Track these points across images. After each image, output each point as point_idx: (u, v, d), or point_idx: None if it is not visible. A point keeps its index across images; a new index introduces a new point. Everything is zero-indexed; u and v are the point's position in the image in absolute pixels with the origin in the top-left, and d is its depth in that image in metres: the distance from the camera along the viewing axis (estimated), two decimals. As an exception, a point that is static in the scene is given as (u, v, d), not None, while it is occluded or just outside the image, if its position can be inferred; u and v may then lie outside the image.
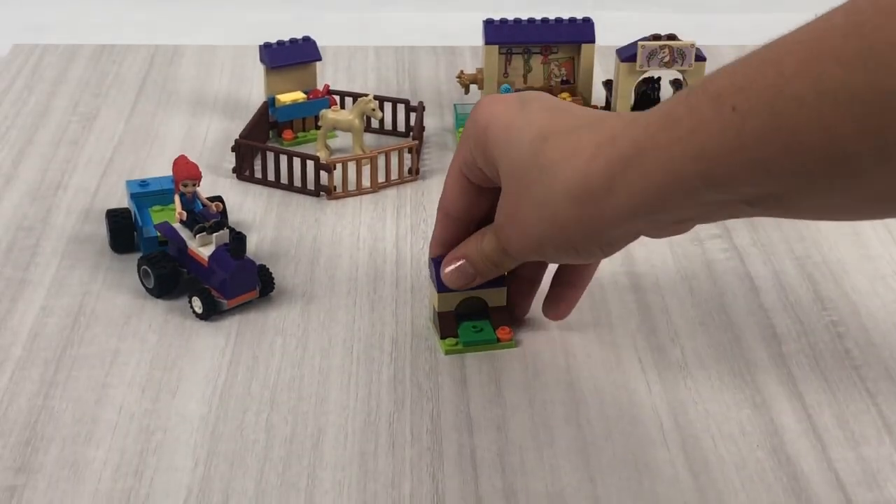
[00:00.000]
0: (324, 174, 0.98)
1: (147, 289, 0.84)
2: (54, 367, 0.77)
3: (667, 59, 1.01)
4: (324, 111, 1.02)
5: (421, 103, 1.08)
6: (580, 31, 1.06)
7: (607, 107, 1.09)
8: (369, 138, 1.07)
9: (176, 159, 0.84)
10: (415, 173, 1.01)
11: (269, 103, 1.06)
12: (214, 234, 0.83)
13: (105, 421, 0.73)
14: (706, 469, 0.70)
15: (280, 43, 1.05)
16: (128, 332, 0.81)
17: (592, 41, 1.06)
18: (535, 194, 0.65)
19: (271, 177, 0.99)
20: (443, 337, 0.79)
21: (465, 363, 0.78)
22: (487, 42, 1.05)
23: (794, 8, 1.44)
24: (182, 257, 0.84)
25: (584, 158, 0.62)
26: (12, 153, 1.04)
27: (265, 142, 1.05)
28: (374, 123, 1.08)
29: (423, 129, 1.06)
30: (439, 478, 0.69)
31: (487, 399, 0.75)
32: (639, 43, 1.02)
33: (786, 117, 0.50)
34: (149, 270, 0.83)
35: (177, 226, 0.84)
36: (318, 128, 1.05)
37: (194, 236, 0.82)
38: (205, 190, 0.87)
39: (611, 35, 1.11)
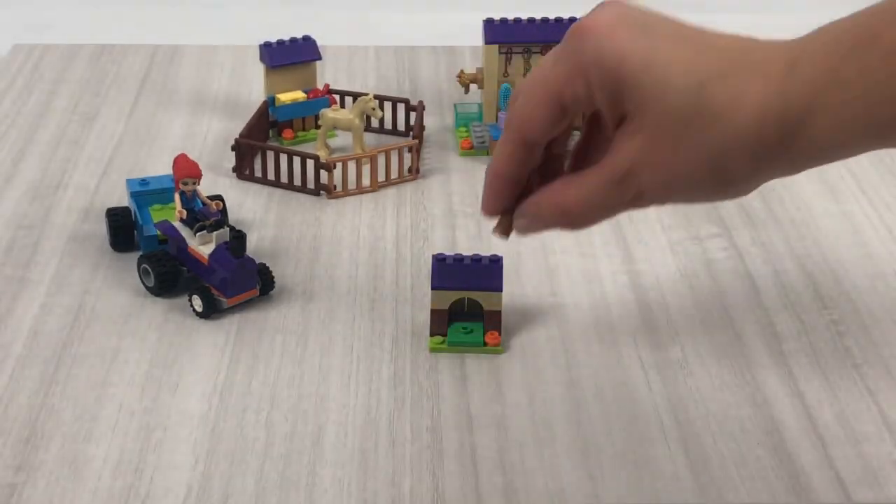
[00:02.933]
0: (324, 173, 0.98)
1: (147, 287, 0.84)
2: (54, 365, 0.77)
3: (667, 58, 1.01)
4: (324, 110, 1.02)
5: (421, 102, 1.08)
6: (580, 31, 1.06)
7: (607, 106, 1.08)
8: (369, 137, 1.07)
9: (176, 158, 0.84)
10: (415, 172, 1.01)
11: (269, 102, 1.06)
12: (215, 233, 0.82)
13: (105, 419, 0.73)
14: (706, 467, 0.70)
15: (280, 42, 1.05)
16: (128, 331, 0.81)
17: (592, 41, 1.06)
18: (701, 142, 0.59)
19: (271, 176, 0.99)
20: (432, 334, 0.79)
21: (465, 361, 0.78)
22: (487, 42, 1.05)
23: (793, 8, 1.45)
24: (182, 256, 0.84)
25: (755, 110, 0.58)
26: (13, 152, 1.04)
27: (265, 141, 1.05)
28: (374, 123, 1.08)
29: (423, 128, 1.06)
30: (439, 475, 0.69)
31: (487, 397, 0.75)
32: (639, 42, 1.02)
33: None
34: (149, 269, 0.83)
35: (177, 224, 0.84)
36: (318, 127, 1.05)
37: (194, 235, 0.82)
38: (205, 189, 0.86)
39: (611, 35, 1.10)
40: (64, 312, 0.82)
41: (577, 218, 0.63)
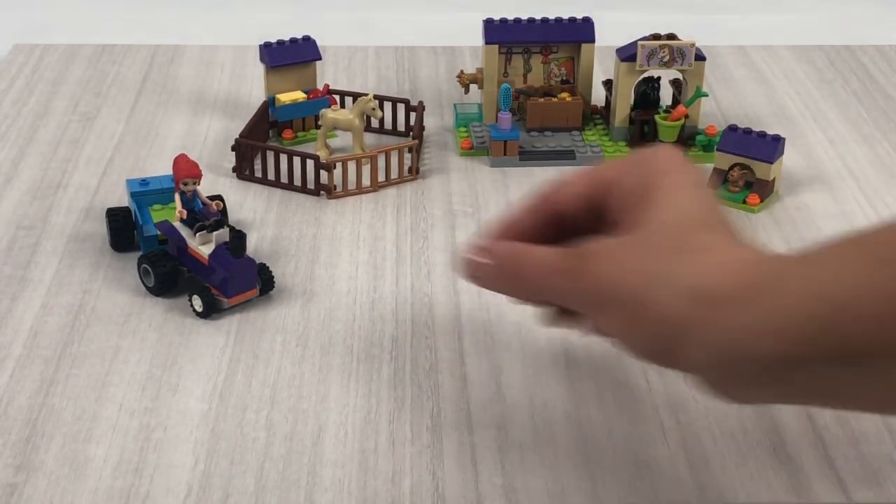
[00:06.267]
0: (324, 173, 0.98)
1: (147, 287, 0.84)
2: (55, 365, 0.77)
3: (666, 58, 1.01)
4: (324, 110, 1.02)
5: (421, 103, 1.09)
6: (580, 31, 1.06)
7: (607, 106, 1.09)
8: (369, 138, 1.07)
9: (176, 158, 0.84)
10: (415, 172, 1.01)
11: (270, 103, 1.06)
12: (215, 233, 0.82)
13: (105, 418, 0.73)
14: (707, 467, 0.70)
15: (280, 42, 1.05)
16: (128, 331, 0.81)
17: (592, 41, 1.06)
18: (658, 259, 0.57)
19: (271, 176, 0.99)
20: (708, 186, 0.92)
21: (465, 361, 0.78)
22: (487, 42, 1.05)
23: (793, 8, 1.45)
24: (182, 256, 0.84)
25: (724, 263, 0.55)
26: (13, 152, 1.04)
27: (265, 141, 1.05)
28: (374, 123, 1.08)
29: (423, 128, 1.06)
30: (439, 475, 0.69)
31: (487, 397, 0.75)
32: (638, 42, 1.02)
33: None
34: (149, 269, 0.83)
35: (177, 224, 0.84)
36: (318, 127, 1.05)
37: (194, 235, 0.82)
38: (205, 189, 0.86)
39: (610, 35, 1.11)
40: (64, 312, 0.82)
41: (523, 270, 0.62)
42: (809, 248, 0.54)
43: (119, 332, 0.80)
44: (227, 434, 0.71)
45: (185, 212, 0.83)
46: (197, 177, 0.83)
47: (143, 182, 0.90)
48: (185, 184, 0.83)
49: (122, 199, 0.96)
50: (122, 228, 0.89)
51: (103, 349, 0.79)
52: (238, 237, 0.82)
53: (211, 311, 0.81)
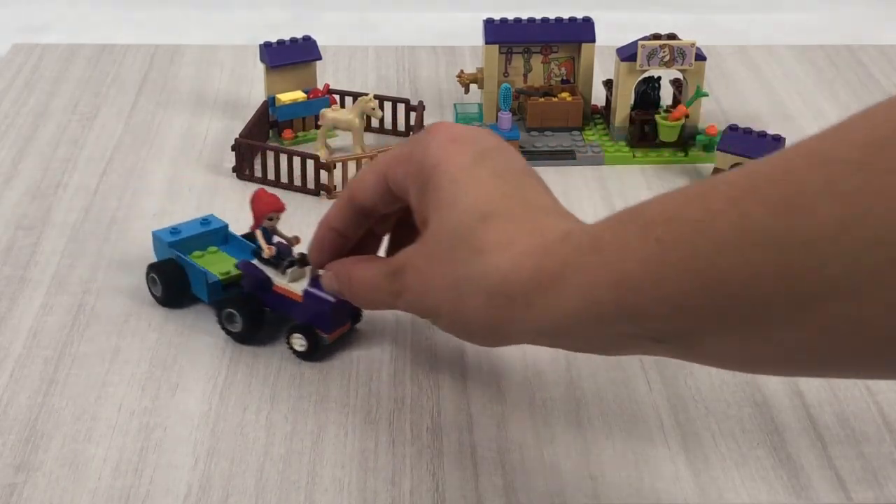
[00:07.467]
0: (324, 173, 0.98)
1: (230, 334, 0.79)
2: (54, 365, 0.77)
3: (667, 58, 1.01)
4: (324, 110, 1.02)
5: (421, 103, 1.08)
6: (580, 31, 1.06)
7: (608, 106, 1.09)
8: (369, 138, 1.07)
9: (256, 193, 0.79)
10: (415, 172, 1.01)
11: (269, 102, 1.06)
12: (307, 268, 0.78)
13: (105, 419, 0.73)
14: (707, 467, 0.70)
15: (280, 42, 1.05)
16: (128, 331, 0.81)
17: (592, 41, 1.06)
18: (454, 269, 0.61)
19: (271, 176, 0.99)
20: None
21: (465, 361, 0.78)
22: (487, 42, 1.05)
23: (793, 8, 1.45)
24: (265, 296, 0.78)
25: (513, 259, 0.59)
26: (12, 152, 1.04)
27: (265, 141, 1.05)
28: (375, 123, 1.08)
29: (423, 128, 1.06)
30: (439, 475, 0.69)
31: (488, 397, 0.75)
32: (639, 42, 1.02)
33: (706, 255, 0.49)
34: (234, 313, 0.78)
35: (255, 262, 0.79)
36: (318, 127, 1.05)
37: (284, 272, 0.78)
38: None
39: (611, 34, 1.11)
40: (64, 312, 0.82)
41: (357, 292, 0.71)
42: (597, 227, 0.57)
43: (119, 332, 0.80)
44: (226, 434, 0.71)
45: (273, 248, 0.78)
46: (281, 210, 0.78)
47: (174, 231, 0.84)
48: (270, 219, 0.79)
49: (121, 199, 0.96)
50: (176, 282, 0.82)
51: (103, 349, 0.79)
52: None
53: (315, 350, 0.77)
